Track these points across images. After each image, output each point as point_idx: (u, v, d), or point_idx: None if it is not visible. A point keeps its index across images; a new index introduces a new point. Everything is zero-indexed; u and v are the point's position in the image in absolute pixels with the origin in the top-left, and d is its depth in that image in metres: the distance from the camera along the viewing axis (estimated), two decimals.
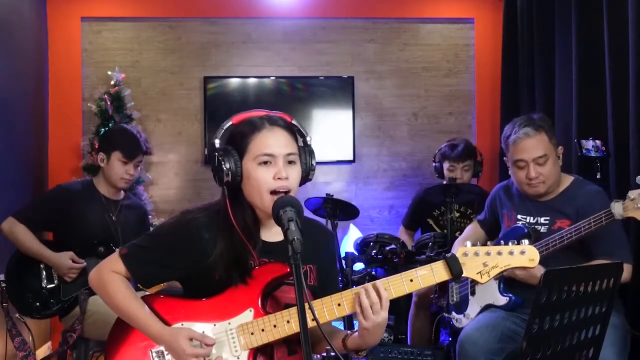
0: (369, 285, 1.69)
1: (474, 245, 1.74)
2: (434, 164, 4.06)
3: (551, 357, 1.68)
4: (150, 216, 3.73)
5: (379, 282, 1.69)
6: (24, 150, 4.20)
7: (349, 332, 1.79)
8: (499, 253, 1.72)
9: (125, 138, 3.20)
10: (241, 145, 1.77)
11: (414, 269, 1.72)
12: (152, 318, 1.75)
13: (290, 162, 1.78)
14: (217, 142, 1.79)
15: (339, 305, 1.71)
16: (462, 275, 1.70)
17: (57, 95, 4.65)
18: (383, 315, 1.66)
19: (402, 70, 4.98)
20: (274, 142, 1.77)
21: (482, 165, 4.04)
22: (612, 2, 3.21)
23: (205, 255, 1.77)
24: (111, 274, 1.80)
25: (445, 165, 3.95)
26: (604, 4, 3.26)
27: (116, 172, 3.16)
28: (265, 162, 1.75)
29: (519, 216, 2.75)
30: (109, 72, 4.55)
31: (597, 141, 3.02)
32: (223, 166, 1.74)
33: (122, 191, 3.29)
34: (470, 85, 5.03)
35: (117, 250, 1.84)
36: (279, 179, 1.74)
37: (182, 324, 1.77)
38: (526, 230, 2.59)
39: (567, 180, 2.71)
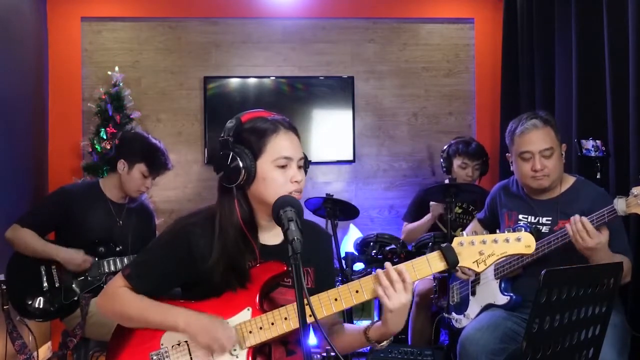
0: (388, 265, 1.68)
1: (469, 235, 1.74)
2: (441, 159, 4.03)
3: (551, 357, 1.68)
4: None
5: (400, 266, 1.68)
6: (24, 150, 4.20)
7: (370, 324, 1.78)
8: (495, 241, 1.72)
9: (153, 152, 3.14)
10: (256, 145, 1.76)
11: (410, 261, 1.72)
12: (170, 307, 1.76)
13: (300, 167, 1.80)
14: (230, 140, 1.76)
15: (335, 300, 1.71)
16: (459, 264, 1.69)
17: (57, 95, 4.65)
18: (406, 296, 1.66)
19: (402, 70, 4.98)
20: (291, 145, 1.78)
21: (488, 166, 4.03)
22: (612, 2, 3.21)
23: (203, 262, 1.77)
24: (118, 288, 1.80)
25: (457, 162, 3.89)
26: (604, 4, 3.26)
27: (135, 184, 3.12)
28: (283, 166, 1.76)
29: (520, 216, 2.75)
30: (109, 72, 4.55)
31: (597, 141, 3.01)
32: (239, 165, 1.73)
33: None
34: (470, 85, 5.03)
35: (120, 271, 1.85)
36: (295, 182, 1.75)
37: None
38: (528, 230, 2.59)
39: (570, 180, 2.71)
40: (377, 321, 1.75)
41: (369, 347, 1.81)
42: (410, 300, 1.67)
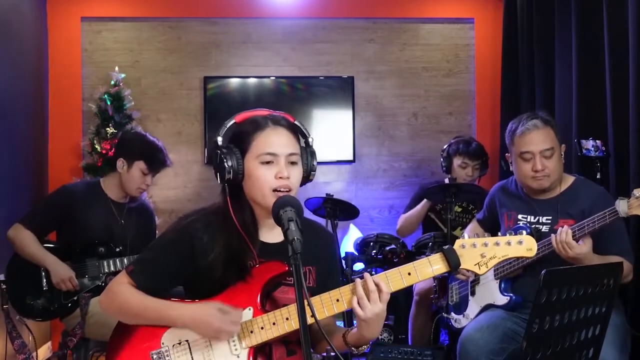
0: (367, 275, 1.68)
1: (471, 237, 1.74)
2: (441, 159, 4.03)
3: (551, 357, 1.68)
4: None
5: (377, 276, 1.69)
6: (24, 150, 4.20)
7: (349, 328, 1.78)
8: (497, 244, 1.72)
9: (152, 150, 3.15)
10: (244, 143, 1.78)
11: (412, 262, 1.72)
12: (170, 303, 1.76)
13: (292, 163, 1.79)
14: (219, 139, 1.78)
15: (337, 300, 1.71)
16: (460, 267, 1.70)
17: (57, 95, 4.65)
18: (380, 306, 1.65)
19: (402, 70, 4.98)
20: (277, 141, 1.77)
21: (488, 166, 4.03)
22: (612, 2, 3.21)
23: (205, 257, 1.77)
24: (120, 285, 1.81)
25: (457, 161, 3.89)
26: (604, 4, 3.26)
27: (135, 182, 3.13)
28: (268, 162, 1.76)
29: (519, 216, 2.75)
30: (109, 72, 4.55)
31: (597, 141, 3.02)
32: (225, 164, 1.74)
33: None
34: (470, 85, 5.03)
35: (121, 269, 1.85)
36: (280, 178, 1.75)
37: None
38: (528, 230, 2.59)
39: (569, 179, 2.71)
40: (355, 327, 1.75)
41: (368, 348, 1.81)
42: (384, 311, 1.67)
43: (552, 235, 2.45)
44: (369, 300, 1.65)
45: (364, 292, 1.66)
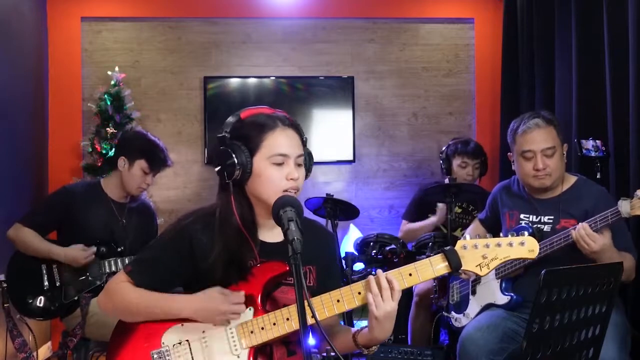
0: (380, 272, 1.68)
1: (472, 238, 1.73)
2: (440, 161, 4.03)
3: (551, 357, 1.68)
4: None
5: (389, 273, 1.69)
6: (24, 150, 4.20)
7: (359, 328, 1.78)
8: (498, 245, 1.71)
9: (153, 149, 3.15)
10: (253, 142, 1.76)
11: (413, 263, 1.71)
12: (171, 296, 1.76)
13: (299, 164, 1.80)
14: (226, 135, 1.77)
15: (338, 301, 1.71)
16: (462, 268, 1.69)
17: (57, 95, 4.66)
18: (392, 304, 1.66)
19: (402, 70, 4.98)
20: (288, 142, 1.77)
21: (487, 166, 4.03)
22: (612, 2, 3.21)
23: (205, 258, 1.77)
24: (119, 283, 1.80)
25: (456, 161, 3.90)
26: (604, 4, 3.26)
27: (135, 181, 3.13)
28: (279, 163, 1.75)
29: (522, 215, 2.75)
30: (109, 72, 4.55)
31: (597, 141, 3.02)
32: (234, 160, 1.73)
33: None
34: (470, 85, 5.03)
35: (122, 269, 1.85)
36: (291, 179, 1.75)
37: (182, 325, 1.77)
38: (530, 230, 2.59)
39: (571, 179, 2.71)
40: (365, 327, 1.75)
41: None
42: (395, 309, 1.67)
43: (572, 231, 2.43)
44: (382, 299, 1.65)
45: (377, 289, 1.66)
